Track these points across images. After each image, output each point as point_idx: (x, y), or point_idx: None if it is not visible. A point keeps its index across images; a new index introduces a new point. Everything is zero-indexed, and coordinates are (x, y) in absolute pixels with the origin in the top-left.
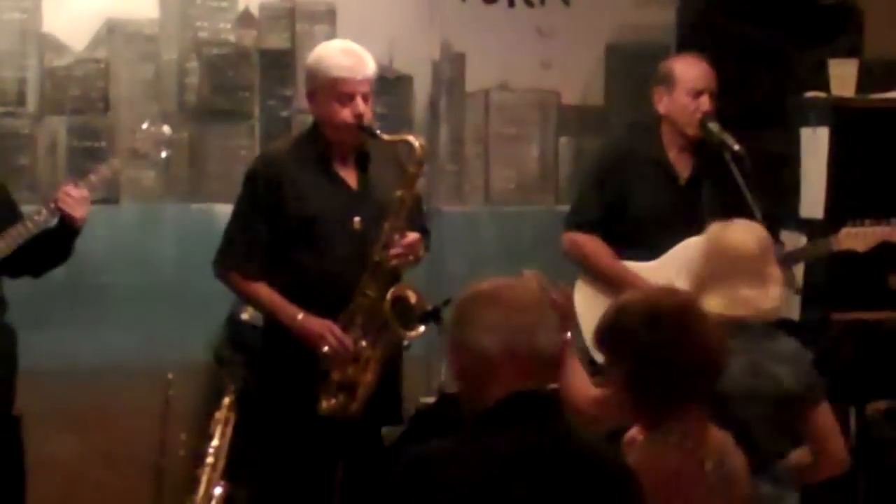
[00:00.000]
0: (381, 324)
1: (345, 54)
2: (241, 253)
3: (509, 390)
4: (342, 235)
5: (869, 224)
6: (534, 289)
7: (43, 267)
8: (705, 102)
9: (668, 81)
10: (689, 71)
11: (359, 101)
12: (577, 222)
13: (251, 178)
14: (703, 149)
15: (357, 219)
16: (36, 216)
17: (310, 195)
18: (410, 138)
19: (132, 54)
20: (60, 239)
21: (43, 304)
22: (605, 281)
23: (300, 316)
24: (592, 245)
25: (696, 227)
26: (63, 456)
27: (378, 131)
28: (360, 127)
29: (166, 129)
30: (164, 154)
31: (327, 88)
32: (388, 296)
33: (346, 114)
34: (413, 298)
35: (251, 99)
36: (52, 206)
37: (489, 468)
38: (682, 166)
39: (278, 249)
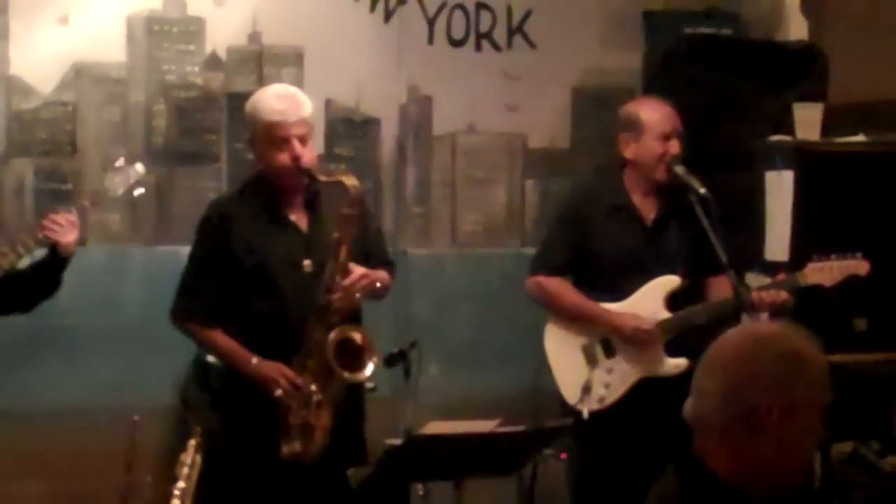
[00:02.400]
0: (328, 367)
1: (278, 98)
2: (196, 302)
3: None
4: (294, 279)
5: (835, 258)
6: None
7: (34, 299)
8: (675, 146)
9: (634, 127)
10: (656, 115)
11: (295, 143)
12: (542, 267)
13: (203, 227)
14: (669, 191)
15: (307, 262)
16: (21, 246)
17: (259, 241)
18: (344, 178)
19: (99, 97)
20: (49, 270)
21: (8, 347)
22: (573, 318)
23: (254, 360)
24: (557, 285)
25: (662, 270)
26: (28, 499)
27: (313, 172)
28: (298, 169)
29: (140, 167)
30: (136, 193)
31: (263, 133)
32: (331, 338)
33: (283, 157)
34: (359, 339)
35: (218, 142)
36: (39, 234)
37: None
38: (647, 209)
39: (232, 296)
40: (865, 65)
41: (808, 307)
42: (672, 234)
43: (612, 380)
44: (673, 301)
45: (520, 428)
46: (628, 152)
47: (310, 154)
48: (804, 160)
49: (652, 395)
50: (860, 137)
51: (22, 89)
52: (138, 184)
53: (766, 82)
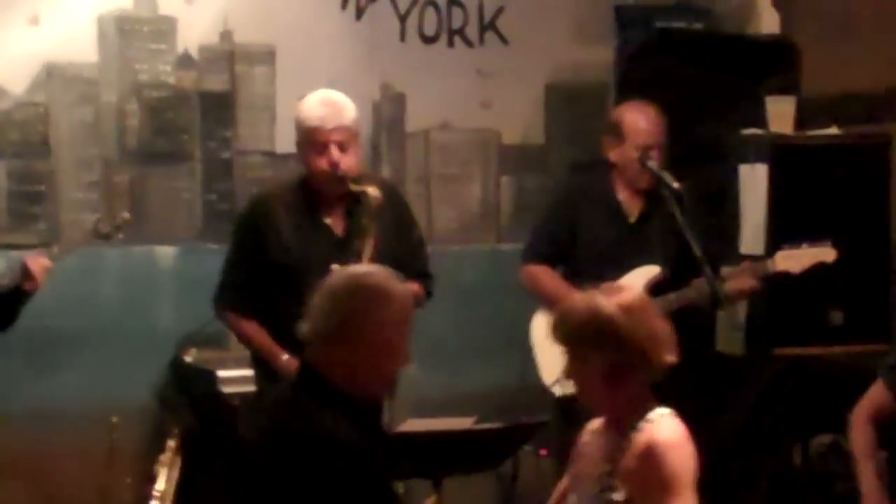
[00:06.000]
0: None
1: (321, 104)
2: (232, 293)
3: None
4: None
5: (805, 246)
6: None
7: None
8: (654, 157)
9: (616, 133)
10: (638, 125)
11: (332, 149)
12: (531, 255)
13: (239, 222)
14: (655, 189)
15: (338, 266)
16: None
17: (291, 242)
18: (370, 190)
19: (72, 98)
20: (12, 300)
21: None
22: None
23: (284, 357)
24: (546, 275)
25: (642, 265)
26: (5, 501)
27: (347, 179)
28: (334, 175)
29: (126, 215)
30: (121, 236)
31: (305, 138)
32: None
33: (321, 162)
34: None
35: (191, 141)
36: (23, 265)
37: None
38: (632, 206)
39: (263, 293)
40: (837, 58)
41: (784, 301)
42: (655, 232)
43: None
44: (653, 291)
45: (497, 425)
46: (612, 155)
47: (349, 161)
48: (777, 153)
49: None
50: (833, 130)
51: None
52: (123, 228)
53: (738, 76)
